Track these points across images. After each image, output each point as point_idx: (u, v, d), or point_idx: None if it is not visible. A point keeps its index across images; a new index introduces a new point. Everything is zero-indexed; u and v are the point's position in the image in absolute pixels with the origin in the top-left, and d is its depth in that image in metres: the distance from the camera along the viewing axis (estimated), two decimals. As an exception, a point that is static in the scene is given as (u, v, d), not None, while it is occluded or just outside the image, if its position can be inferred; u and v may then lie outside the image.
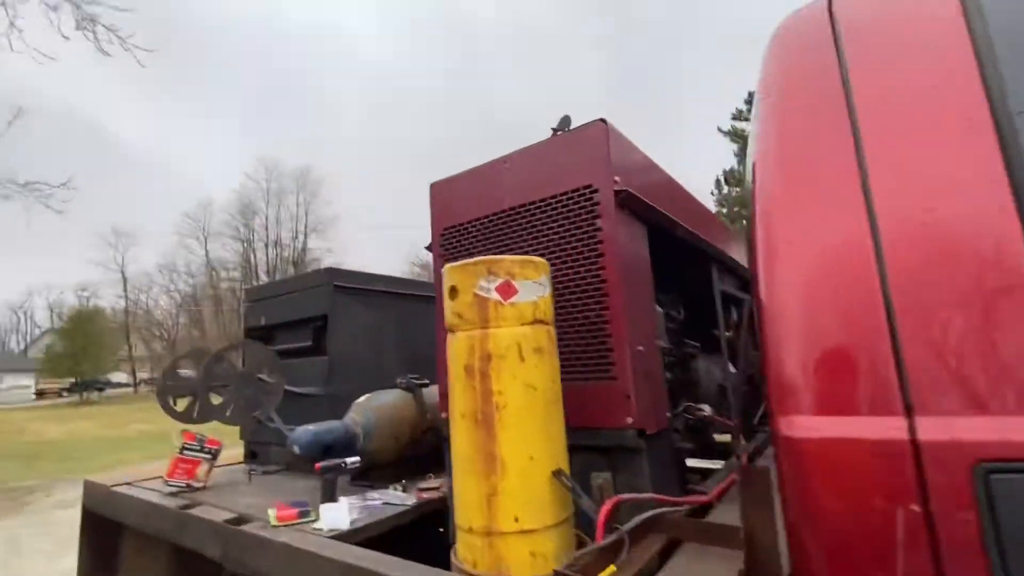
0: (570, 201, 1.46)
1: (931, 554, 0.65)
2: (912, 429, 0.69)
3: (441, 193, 1.81)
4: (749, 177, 1.16)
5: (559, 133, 1.70)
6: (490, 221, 1.63)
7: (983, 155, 0.75)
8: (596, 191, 1.41)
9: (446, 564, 1.15)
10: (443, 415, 1.67)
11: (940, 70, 0.85)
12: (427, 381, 2.11)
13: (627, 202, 1.41)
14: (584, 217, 1.42)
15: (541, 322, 1.18)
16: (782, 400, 0.82)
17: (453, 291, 1.19)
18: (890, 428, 0.71)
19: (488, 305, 1.14)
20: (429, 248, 1.85)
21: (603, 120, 1.44)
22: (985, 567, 0.62)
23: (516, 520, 1.05)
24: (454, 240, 1.73)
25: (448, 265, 1.22)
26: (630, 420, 1.28)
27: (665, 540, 1.13)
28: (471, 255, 1.67)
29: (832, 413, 0.77)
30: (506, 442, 1.09)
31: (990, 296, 0.69)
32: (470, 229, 1.69)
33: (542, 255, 1.39)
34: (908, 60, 0.89)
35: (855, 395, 0.76)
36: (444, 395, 1.68)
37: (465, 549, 1.11)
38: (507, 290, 1.14)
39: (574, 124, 1.54)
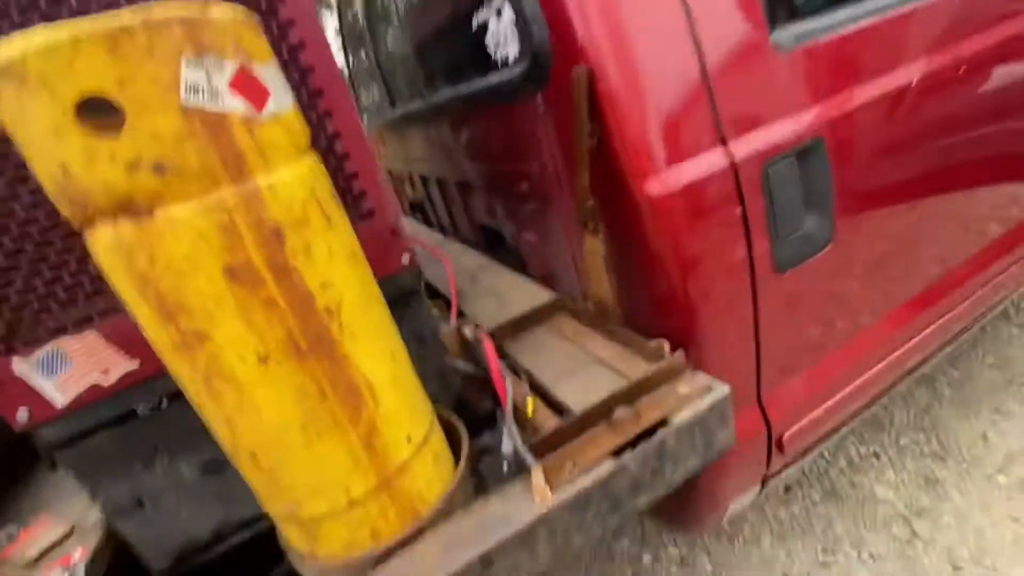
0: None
1: (746, 237, 0.92)
2: (729, 154, 0.88)
3: None
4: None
5: None
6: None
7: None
8: None
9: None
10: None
11: None
12: None
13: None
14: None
15: (310, 145, 0.66)
16: (639, 164, 0.85)
17: (92, 109, 0.46)
18: (717, 157, 0.87)
19: (231, 128, 0.52)
20: None
21: None
22: (768, 232, 0.93)
23: (409, 439, 0.73)
24: None
25: (25, 35, 0.43)
26: (407, 259, 1.01)
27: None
28: None
29: (677, 162, 0.86)
30: (364, 355, 0.66)
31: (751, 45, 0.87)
32: None
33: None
34: None
35: (689, 142, 0.86)
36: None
37: (348, 532, 0.70)
38: (253, 87, 0.54)
39: None
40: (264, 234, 0.55)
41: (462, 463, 0.81)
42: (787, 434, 1.11)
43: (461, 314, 1.36)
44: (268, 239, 0.56)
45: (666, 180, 0.84)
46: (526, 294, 1.30)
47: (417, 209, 2.60)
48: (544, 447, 0.74)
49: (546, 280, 1.35)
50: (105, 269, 0.55)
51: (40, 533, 0.94)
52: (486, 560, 0.65)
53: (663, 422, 0.75)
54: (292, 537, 0.74)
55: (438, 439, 0.81)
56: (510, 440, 0.79)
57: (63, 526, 0.95)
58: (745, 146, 0.88)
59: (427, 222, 2.50)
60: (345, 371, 0.64)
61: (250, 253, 0.55)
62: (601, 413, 0.76)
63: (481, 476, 0.92)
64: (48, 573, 0.83)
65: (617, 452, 0.72)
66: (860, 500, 1.89)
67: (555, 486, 0.69)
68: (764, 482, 1.18)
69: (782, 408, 1.10)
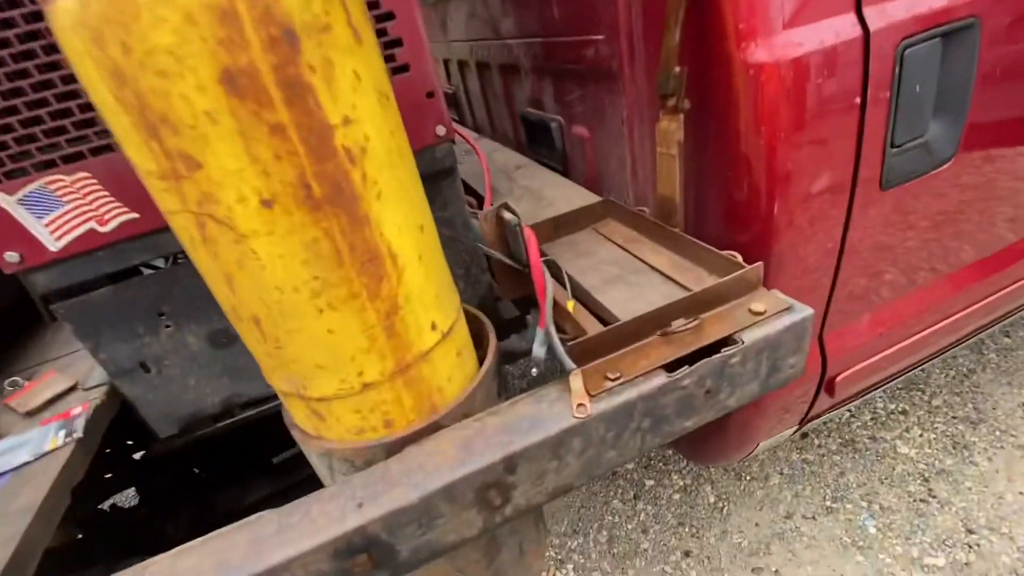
0: None
1: (857, 136, 0.75)
2: (863, 23, 0.69)
3: None
4: None
5: None
6: None
7: None
8: None
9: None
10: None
11: None
12: None
13: None
14: None
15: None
16: (748, 23, 0.67)
17: None
18: (847, 26, 0.69)
19: None
20: None
21: None
22: (884, 134, 0.76)
23: (434, 327, 0.64)
24: None
25: None
26: (442, 131, 0.87)
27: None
28: None
29: (796, 24, 0.68)
30: (389, 219, 0.55)
31: None
32: None
33: None
34: None
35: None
36: None
37: (359, 418, 0.63)
38: None
39: None
40: (273, 32, 0.42)
41: (488, 361, 0.72)
42: (840, 376, 1.01)
43: (493, 212, 1.23)
44: (278, 41, 0.43)
45: (777, 47, 0.67)
46: (568, 195, 1.16)
47: (448, 103, 2.39)
48: (585, 353, 0.65)
49: (592, 185, 1.21)
50: (71, 58, 0.43)
51: (44, 386, 0.91)
52: (509, 463, 0.58)
53: (727, 340, 0.64)
54: (297, 416, 0.68)
55: (463, 333, 0.72)
56: (543, 343, 0.70)
57: (67, 382, 0.92)
58: (884, 16, 0.69)
59: (459, 120, 2.30)
60: (366, 234, 0.53)
61: (253, 55, 0.42)
62: (656, 322, 0.65)
63: (505, 381, 0.84)
64: (47, 424, 0.80)
65: (670, 368, 0.63)
66: (879, 454, 1.83)
67: (595, 394, 0.60)
68: (802, 423, 1.10)
69: (842, 348, 0.98)
